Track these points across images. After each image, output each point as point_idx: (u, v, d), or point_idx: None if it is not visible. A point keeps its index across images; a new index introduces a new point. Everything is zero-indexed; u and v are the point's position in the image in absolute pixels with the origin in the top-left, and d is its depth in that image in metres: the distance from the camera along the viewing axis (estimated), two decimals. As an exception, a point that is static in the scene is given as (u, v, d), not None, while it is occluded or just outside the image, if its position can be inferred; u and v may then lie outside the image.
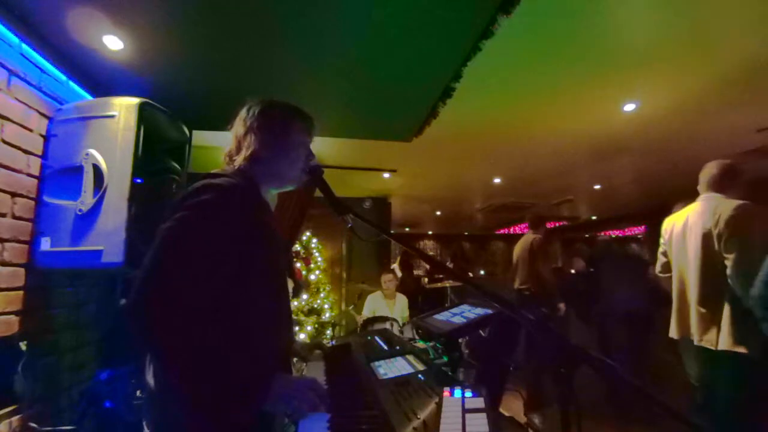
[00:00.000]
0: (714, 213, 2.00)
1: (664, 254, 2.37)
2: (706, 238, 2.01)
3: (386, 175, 5.47)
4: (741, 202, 1.99)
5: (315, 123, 1.20)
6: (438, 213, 9.58)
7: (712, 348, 1.95)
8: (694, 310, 2.06)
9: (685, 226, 2.18)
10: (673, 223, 2.29)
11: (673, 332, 2.21)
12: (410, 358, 1.32)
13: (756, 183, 2.26)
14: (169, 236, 0.89)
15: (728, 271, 1.91)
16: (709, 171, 2.15)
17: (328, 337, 4.45)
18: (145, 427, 0.96)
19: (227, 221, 0.94)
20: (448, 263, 11.04)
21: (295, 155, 1.15)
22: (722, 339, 1.92)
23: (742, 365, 1.87)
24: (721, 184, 2.11)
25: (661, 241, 2.39)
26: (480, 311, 1.35)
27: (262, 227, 1.05)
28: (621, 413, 3.41)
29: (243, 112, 1.15)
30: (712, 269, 1.99)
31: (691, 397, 2.24)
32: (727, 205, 1.98)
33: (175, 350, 0.83)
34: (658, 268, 2.43)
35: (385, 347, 1.55)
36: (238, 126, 1.13)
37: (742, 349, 1.86)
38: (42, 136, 1.86)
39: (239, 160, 1.09)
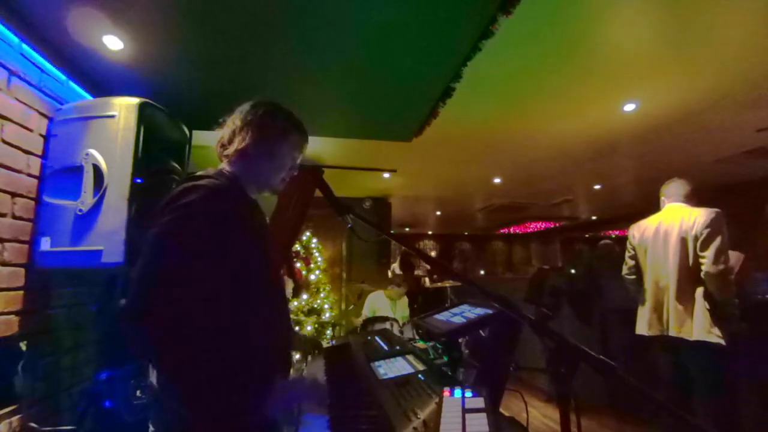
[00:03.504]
0: (690, 217, 2.27)
1: (632, 258, 2.58)
2: (683, 240, 2.27)
3: (386, 175, 5.47)
4: (714, 209, 2.25)
5: (308, 141, 1.22)
6: (438, 213, 9.57)
7: (689, 338, 2.17)
8: (671, 306, 2.28)
9: (658, 232, 2.41)
10: (643, 229, 2.53)
11: (645, 329, 2.42)
12: (410, 358, 1.32)
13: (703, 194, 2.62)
14: (159, 240, 0.89)
15: (704, 268, 2.16)
16: (680, 186, 2.50)
17: (328, 337, 4.45)
18: (151, 426, 0.97)
19: (214, 221, 0.94)
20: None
21: (280, 164, 1.15)
22: (696, 330, 2.16)
23: (713, 352, 2.10)
24: (690, 196, 2.45)
25: (629, 246, 2.62)
26: (480, 311, 1.35)
27: (251, 225, 1.05)
28: (621, 413, 3.41)
29: (247, 107, 1.16)
30: (688, 268, 2.25)
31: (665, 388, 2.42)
32: (702, 210, 2.27)
33: (173, 355, 0.83)
34: (625, 270, 2.65)
35: (385, 347, 1.55)
36: (237, 118, 1.15)
37: (713, 339, 2.11)
38: (42, 136, 1.86)
39: (230, 150, 1.11)
